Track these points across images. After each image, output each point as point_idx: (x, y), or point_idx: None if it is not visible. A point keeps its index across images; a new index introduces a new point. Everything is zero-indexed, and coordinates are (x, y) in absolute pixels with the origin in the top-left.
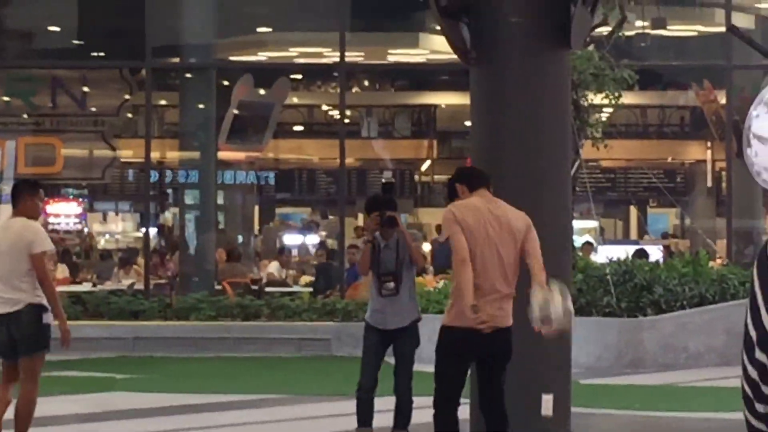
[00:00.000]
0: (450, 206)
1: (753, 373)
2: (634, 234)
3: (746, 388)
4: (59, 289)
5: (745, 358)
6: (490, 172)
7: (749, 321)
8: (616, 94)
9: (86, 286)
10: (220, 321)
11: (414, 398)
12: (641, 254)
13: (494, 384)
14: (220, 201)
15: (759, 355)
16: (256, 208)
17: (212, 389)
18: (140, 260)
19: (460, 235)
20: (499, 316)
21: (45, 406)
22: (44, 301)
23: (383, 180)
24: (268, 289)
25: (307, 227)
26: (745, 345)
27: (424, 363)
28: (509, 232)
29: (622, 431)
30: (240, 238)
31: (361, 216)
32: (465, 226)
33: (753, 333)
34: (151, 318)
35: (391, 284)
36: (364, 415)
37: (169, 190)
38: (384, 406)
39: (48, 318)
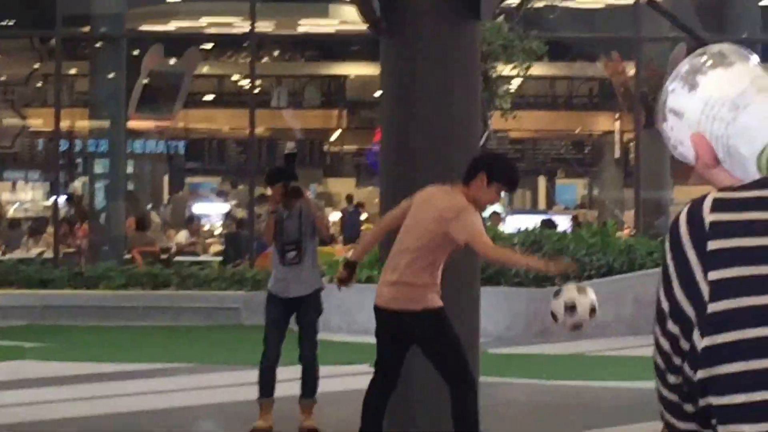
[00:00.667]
0: None
1: (665, 344)
2: (542, 204)
3: (658, 359)
4: None
5: (657, 329)
6: (399, 143)
7: (661, 293)
8: (525, 65)
9: None
10: (129, 290)
11: (321, 367)
12: (549, 224)
13: (432, 364)
14: (129, 170)
15: (671, 326)
16: (166, 177)
17: (121, 358)
18: (50, 229)
19: (391, 211)
20: (400, 299)
21: None
22: None
23: (286, 151)
24: (177, 258)
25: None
26: (658, 316)
27: (333, 332)
28: (422, 222)
29: (531, 400)
30: (149, 207)
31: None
32: (405, 209)
33: (665, 304)
34: (61, 287)
35: (294, 253)
36: (266, 385)
37: (79, 159)
38: (292, 375)
39: None
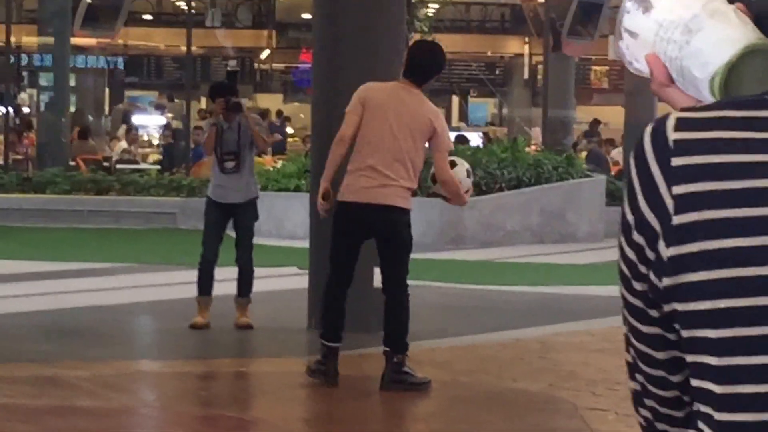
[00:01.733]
0: (364, 85)
1: (630, 254)
2: (455, 121)
3: (623, 267)
4: None
5: (622, 239)
6: (329, 63)
7: (626, 205)
8: None
9: None
10: (74, 195)
11: (254, 268)
12: (462, 140)
13: (386, 264)
14: (73, 83)
15: (637, 237)
16: (107, 90)
17: (66, 258)
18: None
19: (353, 116)
20: (381, 194)
21: None
22: None
23: (228, 68)
24: (118, 165)
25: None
26: (623, 227)
27: (264, 237)
28: (409, 125)
29: (448, 302)
30: (91, 118)
31: (204, 100)
32: (367, 105)
33: (630, 216)
34: (10, 191)
35: (232, 163)
36: (205, 284)
37: (26, 73)
38: (228, 276)
39: None
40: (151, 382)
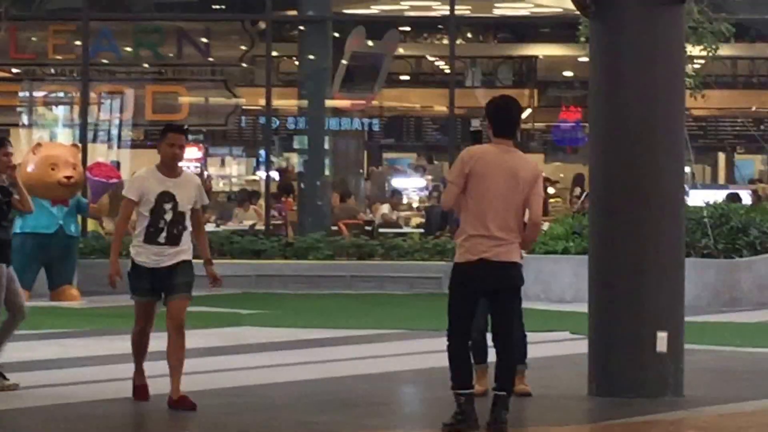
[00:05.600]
0: (465, 151)
1: None
2: (722, 179)
3: None
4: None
5: None
6: (608, 120)
7: None
8: (714, 47)
9: (209, 227)
10: (336, 260)
11: (527, 334)
12: (734, 198)
13: (501, 315)
14: (331, 146)
15: None
16: (365, 153)
17: (331, 325)
18: (260, 202)
19: (454, 188)
20: (504, 252)
21: None
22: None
23: (471, 128)
24: (380, 230)
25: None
26: None
27: (531, 300)
28: (516, 183)
29: (725, 366)
30: (350, 182)
31: None
32: (473, 172)
33: None
34: (273, 257)
35: None
36: (479, 352)
37: (284, 136)
38: None
39: None
40: None
